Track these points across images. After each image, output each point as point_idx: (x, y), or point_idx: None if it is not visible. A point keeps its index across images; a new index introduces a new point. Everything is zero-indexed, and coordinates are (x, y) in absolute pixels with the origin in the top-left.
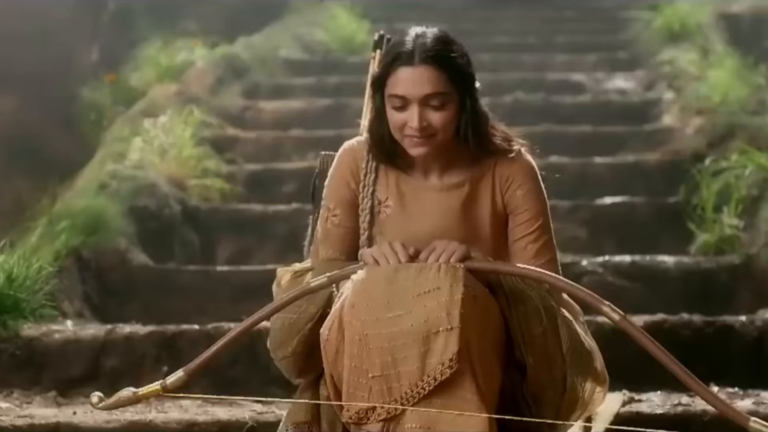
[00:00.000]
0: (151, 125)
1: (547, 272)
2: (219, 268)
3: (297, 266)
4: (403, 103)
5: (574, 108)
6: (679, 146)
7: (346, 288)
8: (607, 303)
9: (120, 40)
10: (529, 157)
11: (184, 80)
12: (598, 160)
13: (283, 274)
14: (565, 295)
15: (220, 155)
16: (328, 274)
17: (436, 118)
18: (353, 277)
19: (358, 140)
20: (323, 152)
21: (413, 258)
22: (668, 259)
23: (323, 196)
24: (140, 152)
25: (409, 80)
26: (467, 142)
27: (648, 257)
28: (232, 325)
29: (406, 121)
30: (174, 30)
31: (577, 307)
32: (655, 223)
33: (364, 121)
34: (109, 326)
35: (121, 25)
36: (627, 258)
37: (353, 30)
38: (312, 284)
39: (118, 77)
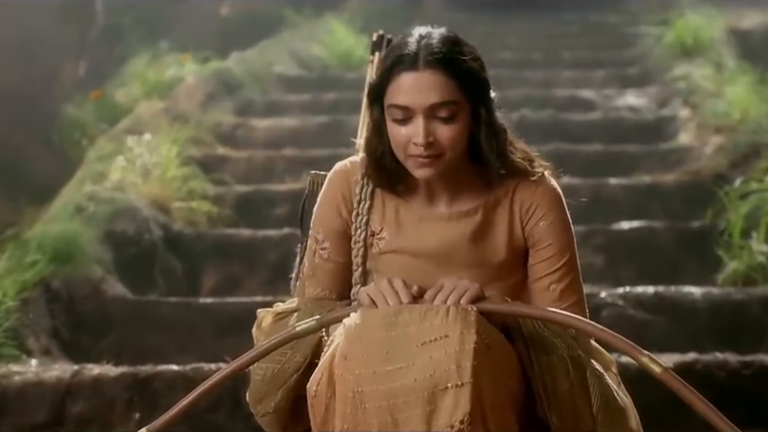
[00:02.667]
0: (135, 143)
1: (575, 316)
2: (202, 300)
3: (280, 306)
4: (406, 115)
5: (585, 126)
6: (699, 166)
7: (338, 334)
8: (647, 353)
9: (109, 55)
10: (554, 182)
11: (173, 97)
12: (612, 181)
13: (264, 315)
14: (593, 341)
15: (208, 175)
16: (317, 316)
17: (444, 132)
18: (346, 321)
19: (351, 161)
20: (313, 171)
21: (417, 299)
22: (695, 290)
23: (311, 224)
24: (122, 172)
25: (413, 87)
26: (482, 161)
27: (673, 288)
28: (213, 366)
29: (409, 137)
30: (164, 45)
31: (608, 356)
32: (677, 250)
33: (360, 140)
34: (76, 367)
35: (111, 41)
36: (650, 289)
37: (351, 45)
38: (298, 328)
39: (104, 94)
